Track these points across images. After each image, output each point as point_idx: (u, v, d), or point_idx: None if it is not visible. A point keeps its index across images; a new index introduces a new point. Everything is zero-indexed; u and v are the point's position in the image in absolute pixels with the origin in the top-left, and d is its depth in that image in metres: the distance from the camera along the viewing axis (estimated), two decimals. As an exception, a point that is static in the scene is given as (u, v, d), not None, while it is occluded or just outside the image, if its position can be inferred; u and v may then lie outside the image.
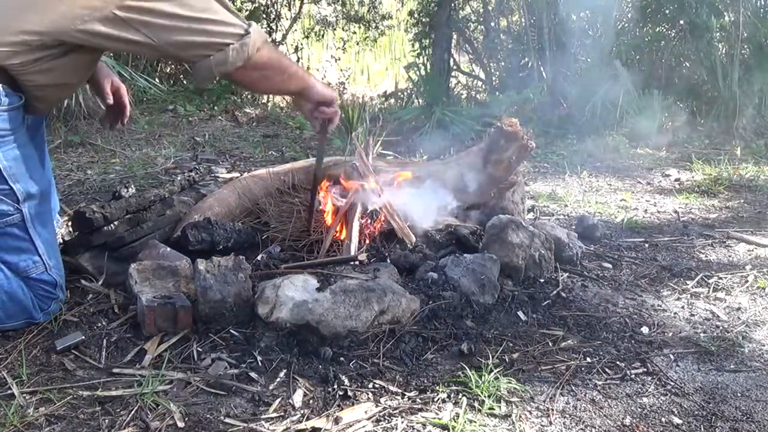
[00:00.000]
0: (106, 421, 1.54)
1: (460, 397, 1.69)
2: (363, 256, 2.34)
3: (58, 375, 1.74)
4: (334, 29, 9.44)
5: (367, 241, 2.52)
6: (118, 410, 1.59)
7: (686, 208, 3.79)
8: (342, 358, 1.85)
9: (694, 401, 1.76)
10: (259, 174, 2.97)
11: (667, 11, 6.69)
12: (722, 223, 3.49)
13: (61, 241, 2.36)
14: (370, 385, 1.74)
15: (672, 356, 1.99)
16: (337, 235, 2.52)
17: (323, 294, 1.98)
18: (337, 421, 1.56)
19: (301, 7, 8.48)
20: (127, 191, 2.52)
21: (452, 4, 7.41)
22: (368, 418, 1.59)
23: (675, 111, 6.64)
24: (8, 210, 1.85)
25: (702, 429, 1.64)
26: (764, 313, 2.34)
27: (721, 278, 2.65)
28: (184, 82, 6.85)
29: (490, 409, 1.65)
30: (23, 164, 1.87)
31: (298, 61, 8.32)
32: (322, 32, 9.29)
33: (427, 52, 7.60)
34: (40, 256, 1.94)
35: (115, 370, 1.76)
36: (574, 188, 4.22)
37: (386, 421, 1.58)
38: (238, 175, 3.48)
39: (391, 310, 2.03)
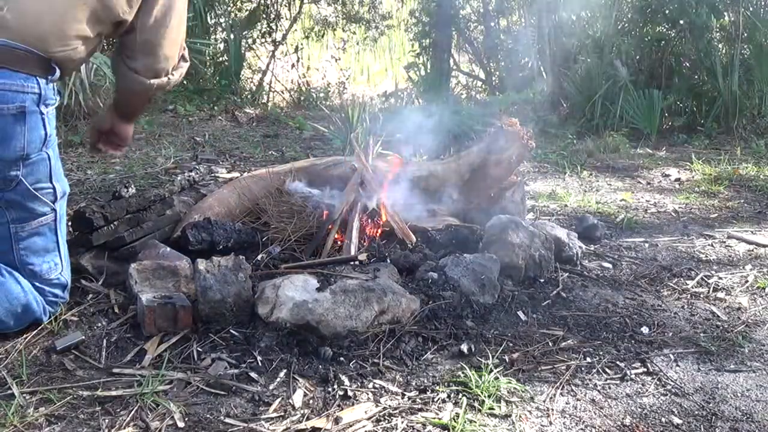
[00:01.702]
0: (106, 421, 1.54)
1: (460, 397, 1.69)
2: (363, 256, 2.34)
3: (58, 375, 1.74)
4: (334, 29, 9.45)
5: (365, 244, 2.52)
6: (118, 410, 1.59)
7: (686, 208, 3.79)
8: (342, 358, 1.85)
9: (694, 401, 1.76)
10: (259, 174, 2.97)
11: (667, 11, 6.69)
12: (722, 223, 3.49)
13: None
14: (370, 385, 1.74)
15: (672, 356, 1.99)
16: (338, 237, 2.52)
17: (323, 294, 1.98)
18: (337, 421, 1.57)
19: (301, 7, 8.48)
20: (127, 191, 2.52)
21: (452, 4, 7.41)
22: (368, 418, 1.59)
23: (675, 111, 6.65)
24: (46, 210, 1.87)
25: (702, 429, 1.64)
26: (764, 313, 2.34)
27: (721, 278, 2.65)
28: (184, 82, 6.85)
29: (490, 409, 1.65)
30: (59, 163, 1.91)
31: (298, 60, 8.32)
32: (322, 32, 9.29)
33: (427, 52, 7.60)
34: (60, 257, 1.95)
35: (115, 370, 1.76)
36: (574, 188, 4.22)
37: (386, 421, 1.58)
38: (238, 175, 3.48)
39: (391, 310, 2.03)
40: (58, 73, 1.81)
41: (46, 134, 1.81)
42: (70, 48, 1.80)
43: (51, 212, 1.88)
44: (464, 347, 1.93)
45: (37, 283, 1.90)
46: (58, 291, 1.95)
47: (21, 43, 1.70)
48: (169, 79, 2.05)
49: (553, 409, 1.68)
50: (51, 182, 1.86)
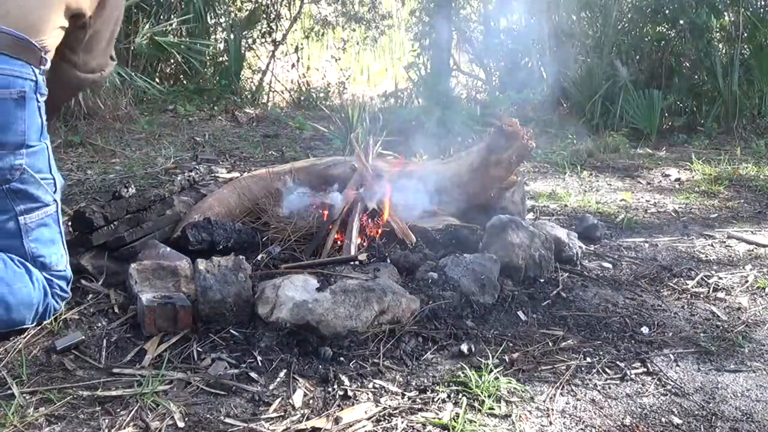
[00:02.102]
0: (106, 421, 1.54)
1: (460, 397, 1.69)
2: (363, 256, 2.34)
3: (58, 375, 1.74)
4: (334, 29, 9.45)
5: (365, 244, 2.52)
6: (118, 410, 1.59)
7: (686, 208, 3.79)
8: (342, 358, 1.85)
9: (694, 401, 1.76)
10: (259, 174, 2.97)
11: (667, 11, 6.69)
12: (722, 223, 3.49)
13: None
14: (370, 385, 1.74)
15: (672, 356, 1.99)
16: (338, 237, 2.52)
17: (323, 294, 1.98)
18: (337, 421, 1.57)
19: (301, 7, 8.48)
20: (127, 191, 2.52)
21: (452, 4, 7.41)
22: (368, 418, 1.59)
23: (675, 111, 6.65)
24: (49, 200, 1.92)
25: (702, 429, 1.64)
26: (764, 313, 2.34)
27: (721, 278, 2.65)
28: (184, 82, 6.85)
29: (490, 409, 1.65)
30: (53, 155, 1.95)
31: (298, 60, 8.30)
32: (322, 32, 9.29)
33: (427, 52, 7.60)
34: (64, 249, 1.98)
35: (115, 370, 1.76)
36: (574, 188, 4.22)
37: (386, 421, 1.58)
38: (238, 175, 3.48)
39: (391, 310, 2.03)
40: (48, 63, 1.86)
41: (42, 123, 1.85)
42: (53, 37, 1.85)
43: (53, 203, 1.93)
44: (464, 347, 1.93)
45: (46, 275, 1.92)
46: (63, 284, 1.98)
47: (18, 31, 1.75)
48: (101, 74, 2.14)
49: (553, 409, 1.68)
50: (51, 173, 1.91)
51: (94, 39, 2.03)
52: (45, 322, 1.95)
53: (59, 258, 1.97)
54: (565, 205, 3.74)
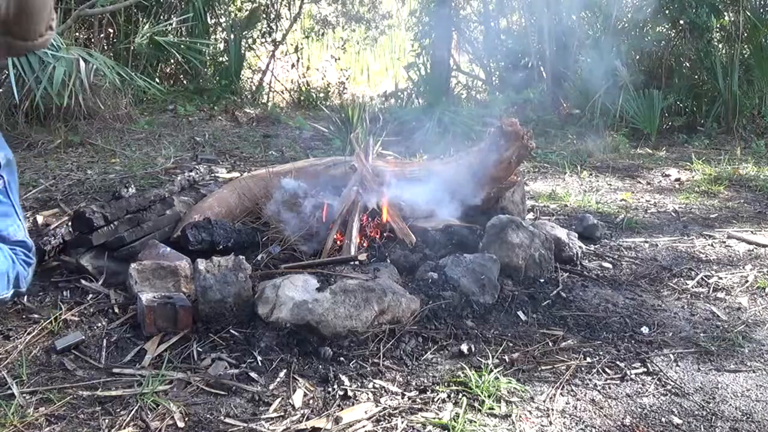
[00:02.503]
0: (106, 421, 1.54)
1: (460, 397, 1.69)
2: (363, 256, 2.34)
3: (58, 375, 1.74)
4: (334, 29, 9.44)
5: (366, 244, 2.52)
6: (118, 410, 1.59)
7: (686, 208, 3.79)
8: (342, 358, 1.85)
9: (694, 401, 1.76)
10: (259, 174, 2.97)
11: (667, 11, 6.68)
12: (722, 223, 3.49)
13: (62, 241, 2.37)
14: (370, 385, 1.74)
15: (672, 356, 1.99)
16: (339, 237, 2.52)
17: (323, 294, 1.98)
18: (337, 421, 1.56)
19: (301, 7, 8.48)
20: (127, 191, 2.53)
21: (452, 4, 7.41)
22: (368, 418, 1.59)
23: (675, 111, 6.64)
24: None
25: (702, 429, 1.64)
26: (764, 313, 2.34)
27: (721, 278, 2.65)
28: (184, 82, 6.85)
29: (490, 409, 1.65)
30: None
31: (298, 60, 8.30)
32: (322, 32, 9.29)
33: (427, 52, 7.59)
34: (20, 220, 2.00)
35: (115, 370, 1.76)
36: (574, 188, 4.22)
37: (386, 421, 1.58)
38: (238, 175, 3.48)
39: (391, 310, 2.03)
40: None
41: None
42: None
43: None
44: (464, 347, 1.93)
45: (8, 246, 1.94)
46: (26, 251, 2.01)
47: None
48: (36, 41, 2.08)
49: (553, 409, 1.68)
50: None
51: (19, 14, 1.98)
52: (22, 290, 1.97)
53: (16, 229, 2.00)
54: (565, 205, 3.74)
